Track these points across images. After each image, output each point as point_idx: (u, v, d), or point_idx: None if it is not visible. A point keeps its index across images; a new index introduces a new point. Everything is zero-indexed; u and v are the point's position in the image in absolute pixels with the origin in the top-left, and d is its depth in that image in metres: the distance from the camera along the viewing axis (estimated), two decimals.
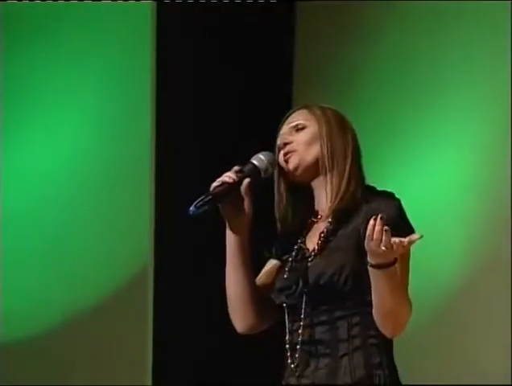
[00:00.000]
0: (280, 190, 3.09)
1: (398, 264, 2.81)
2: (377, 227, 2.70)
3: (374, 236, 2.71)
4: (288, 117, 3.12)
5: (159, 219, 6.62)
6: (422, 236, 2.73)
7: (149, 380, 6.96)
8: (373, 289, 2.84)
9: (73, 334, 7.22)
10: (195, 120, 6.90)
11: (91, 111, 7.20)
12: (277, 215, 3.10)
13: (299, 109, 3.12)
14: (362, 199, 3.00)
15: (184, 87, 7.04)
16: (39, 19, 7.38)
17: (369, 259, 2.76)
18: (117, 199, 7.04)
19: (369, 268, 2.78)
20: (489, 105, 6.88)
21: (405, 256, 2.88)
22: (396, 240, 2.69)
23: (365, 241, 2.74)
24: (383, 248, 2.70)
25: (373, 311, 2.87)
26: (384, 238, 2.69)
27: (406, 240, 2.69)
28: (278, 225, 3.11)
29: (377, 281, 2.83)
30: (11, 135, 7.15)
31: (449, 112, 7.18)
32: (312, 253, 3.00)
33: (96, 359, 7.18)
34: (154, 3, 7.04)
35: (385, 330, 2.90)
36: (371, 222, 2.72)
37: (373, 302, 2.86)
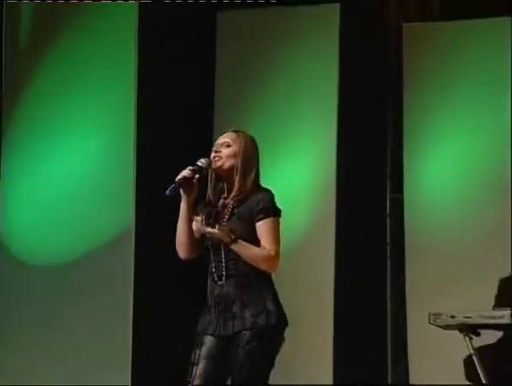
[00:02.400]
0: (211, 179, 4.45)
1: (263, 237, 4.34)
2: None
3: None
4: (223, 134, 4.51)
5: (141, 190, 7.59)
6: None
7: (129, 325, 7.59)
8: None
9: (69, 275, 7.79)
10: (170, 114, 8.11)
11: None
12: (208, 193, 4.50)
13: (230, 132, 4.49)
14: (254, 191, 4.37)
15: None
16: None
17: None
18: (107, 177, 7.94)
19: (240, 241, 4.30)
20: None
21: (271, 230, 4.35)
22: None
23: (266, 221, 4.35)
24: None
25: None
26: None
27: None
28: (207, 198, 4.50)
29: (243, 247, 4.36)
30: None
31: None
32: (224, 219, 4.38)
33: (83, 299, 7.68)
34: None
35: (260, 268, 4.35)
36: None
37: None
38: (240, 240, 4.28)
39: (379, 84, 9.26)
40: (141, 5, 7.77)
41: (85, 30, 7.98)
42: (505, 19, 8.75)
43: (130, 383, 7.49)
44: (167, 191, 4.34)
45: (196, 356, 4.32)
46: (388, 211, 9.18)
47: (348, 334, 8.31)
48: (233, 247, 4.28)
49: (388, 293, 9.06)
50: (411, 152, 8.90)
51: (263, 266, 4.31)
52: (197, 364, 4.31)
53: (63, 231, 7.82)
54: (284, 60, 8.51)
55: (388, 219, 9.18)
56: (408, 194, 8.84)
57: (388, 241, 9.11)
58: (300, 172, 8.39)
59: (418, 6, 9.40)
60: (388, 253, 9.08)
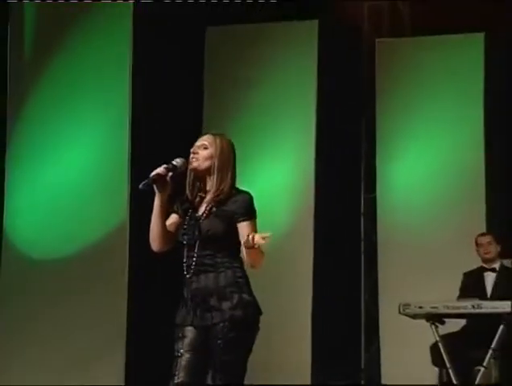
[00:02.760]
0: (189, 179, 4.32)
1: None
2: (251, 237, 4.07)
3: (247, 244, 4.09)
4: (201, 137, 4.40)
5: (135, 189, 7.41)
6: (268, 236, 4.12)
7: (124, 315, 7.62)
8: (246, 251, 4.17)
9: (68, 267, 7.81)
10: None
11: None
12: (186, 191, 4.36)
13: (207, 134, 4.40)
14: (232, 193, 4.27)
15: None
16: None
17: (244, 244, 4.13)
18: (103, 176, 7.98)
19: (245, 249, 4.15)
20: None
21: (254, 230, 4.25)
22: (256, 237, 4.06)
23: (246, 223, 4.23)
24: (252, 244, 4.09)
25: (244, 257, 4.20)
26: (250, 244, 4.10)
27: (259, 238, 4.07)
28: (185, 196, 4.36)
29: (250, 253, 4.15)
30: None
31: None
32: (202, 217, 4.29)
33: (82, 290, 7.71)
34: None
35: (250, 266, 4.22)
36: (247, 239, 4.12)
37: (245, 254, 4.19)
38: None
39: (354, 95, 9.33)
40: (135, 23, 7.78)
41: (85, 44, 7.99)
42: (479, 35, 8.80)
43: (124, 372, 7.54)
44: (140, 185, 4.26)
45: (179, 349, 4.26)
46: (362, 210, 9.33)
47: (326, 322, 8.34)
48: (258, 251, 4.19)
49: (362, 285, 9.20)
50: (383, 156, 9.00)
51: (256, 264, 4.23)
52: (181, 356, 4.25)
53: (62, 227, 7.82)
54: (268, 73, 8.53)
55: (362, 218, 9.34)
56: (380, 194, 8.95)
57: (362, 238, 9.28)
58: (282, 174, 8.40)
59: (390, 22, 9.44)
60: (362, 249, 9.24)
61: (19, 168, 7.93)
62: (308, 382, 8.12)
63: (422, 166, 8.84)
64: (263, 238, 4.06)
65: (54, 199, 7.88)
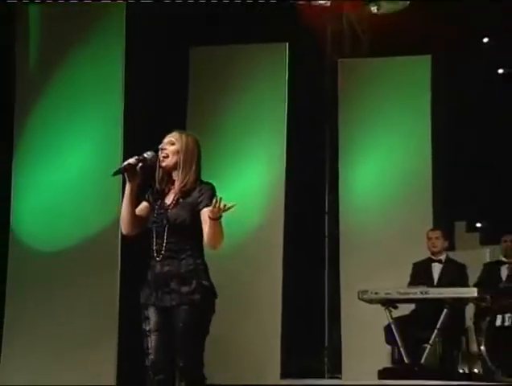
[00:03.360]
0: (158, 173, 4.27)
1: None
2: (217, 205, 4.00)
3: (213, 209, 4.00)
4: (169, 134, 4.31)
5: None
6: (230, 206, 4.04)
7: (117, 301, 7.62)
8: (208, 228, 4.10)
9: (66, 258, 7.79)
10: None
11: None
12: (156, 183, 4.30)
13: (174, 132, 4.32)
14: (196, 185, 4.22)
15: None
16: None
17: (210, 215, 4.04)
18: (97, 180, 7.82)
19: (209, 220, 4.06)
20: None
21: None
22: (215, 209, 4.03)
23: (209, 208, 4.08)
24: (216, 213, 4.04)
25: (205, 237, 4.13)
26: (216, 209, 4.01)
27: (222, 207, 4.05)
28: (155, 187, 4.30)
29: (212, 226, 4.09)
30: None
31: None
32: (170, 206, 4.22)
33: (78, 279, 7.67)
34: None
35: (210, 246, 4.15)
36: (214, 203, 4.03)
37: (207, 233, 4.12)
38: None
39: (319, 108, 9.44)
40: (127, 45, 7.79)
41: (83, 61, 7.98)
42: (426, 57, 8.86)
43: (116, 356, 7.53)
44: (112, 173, 4.25)
45: (147, 329, 4.21)
46: (326, 210, 9.43)
47: (294, 308, 8.39)
48: (214, 223, 4.11)
49: (326, 275, 9.29)
50: (345, 162, 9.05)
51: (216, 244, 4.17)
52: (149, 336, 4.19)
53: (63, 223, 7.79)
54: (245, 89, 8.50)
55: (326, 216, 9.43)
56: (342, 195, 8.99)
57: (326, 234, 9.38)
58: (257, 178, 8.35)
59: (350, 44, 9.59)
60: (326, 243, 9.34)
61: (25, 171, 7.94)
62: (279, 359, 7.99)
63: (378, 171, 8.90)
64: (229, 207, 4.06)
65: (55, 198, 7.84)
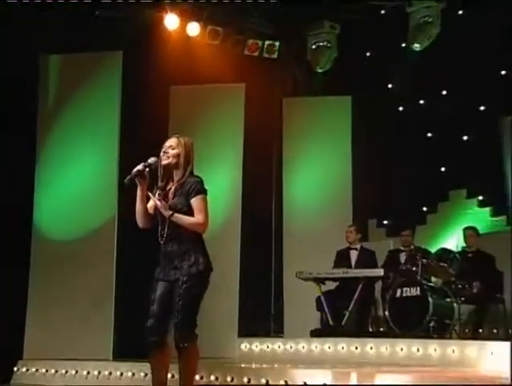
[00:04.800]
0: (161, 171, 4.12)
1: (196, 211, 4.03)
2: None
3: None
4: (168, 139, 4.18)
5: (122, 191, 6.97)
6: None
7: (113, 278, 7.54)
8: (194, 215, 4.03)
9: (75, 246, 7.73)
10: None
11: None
12: (159, 181, 4.15)
13: (173, 138, 4.18)
14: (190, 178, 4.08)
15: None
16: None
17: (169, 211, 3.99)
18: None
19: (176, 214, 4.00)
20: None
21: (200, 204, 4.05)
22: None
23: (197, 196, 4.02)
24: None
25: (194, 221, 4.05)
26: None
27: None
28: (158, 185, 4.14)
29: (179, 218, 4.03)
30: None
31: None
32: (170, 197, 4.09)
33: (84, 263, 7.62)
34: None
35: (197, 229, 4.05)
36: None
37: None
38: (176, 214, 4.02)
39: (270, 133, 9.39)
40: (122, 88, 7.84)
41: (87, 98, 7.98)
42: (347, 97, 8.99)
43: (112, 325, 7.45)
44: (125, 180, 4.07)
45: (152, 299, 4.06)
46: (273, 209, 9.47)
47: (248, 283, 8.31)
48: (172, 218, 4.01)
49: (272, 259, 9.34)
50: (288, 173, 9.11)
51: (196, 229, 4.04)
52: (153, 305, 4.05)
53: (72, 218, 7.78)
54: (213, 123, 8.35)
55: (273, 214, 9.45)
56: (285, 198, 9.07)
57: (273, 228, 9.39)
58: (221, 184, 8.12)
59: (293, 86, 9.64)
60: (273, 234, 9.37)
61: (44, 178, 7.95)
62: (237, 322, 7.94)
63: (312, 181, 9.01)
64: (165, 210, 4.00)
65: (67, 200, 7.82)
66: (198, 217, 4.02)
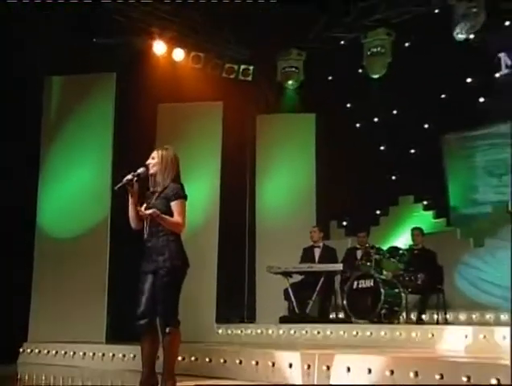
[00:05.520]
0: (150, 180, 4.12)
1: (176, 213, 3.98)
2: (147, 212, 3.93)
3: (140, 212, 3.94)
4: (154, 151, 4.17)
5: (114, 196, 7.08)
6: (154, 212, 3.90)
7: (105, 282, 7.51)
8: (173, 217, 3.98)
9: (73, 244, 7.69)
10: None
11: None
12: (150, 188, 4.14)
13: (156, 150, 4.18)
14: (172, 184, 4.06)
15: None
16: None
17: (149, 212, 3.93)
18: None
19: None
20: None
21: (180, 207, 4.01)
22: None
23: (176, 201, 3.98)
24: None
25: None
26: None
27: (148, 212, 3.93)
28: (149, 190, 4.13)
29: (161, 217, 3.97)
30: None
31: None
32: (153, 200, 4.07)
33: (80, 259, 7.60)
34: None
35: (174, 229, 4.01)
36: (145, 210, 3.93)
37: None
38: (162, 215, 3.96)
39: (245, 148, 9.39)
40: (115, 109, 7.79)
41: (85, 114, 7.94)
42: (311, 115, 8.95)
43: (106, 310, 7.43)
44: (115, 187, 4.02)
45: (140, 289, 4.02)
46: (247, 212, 9.43)
47: (225, 276, 8.27)
48: (158, 219, 3.95)
49: (246, 256, 9.23)
50: (260, 182, 9.17)
51: (174, 229, 4.00)
52: (141, 295, 4.01)
53: (71, 219, 7.73)
54: (195, 139, 8.18)
55: (247, 216, 9.41)
56: (258, 203, 9.15)
57: (247, 228, 9.36)
58: (202, 191, 8.03)
59: (266, 103, 9.60)
60: (247, 235, 9.32)
61: (46, 184, 7.91)
62: (214, 312, 7.83)
63: (282, 187, 9.03)
64: (145, 212, 3.96)
65: (67, 202, 7.78)
66: (177, 218, 4.00)
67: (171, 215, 4.02)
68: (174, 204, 4.01)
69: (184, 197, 4.07)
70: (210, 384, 4.91)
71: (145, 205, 4.09)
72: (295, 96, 9.40)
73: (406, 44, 8.97)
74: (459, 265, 8.25)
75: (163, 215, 3.98)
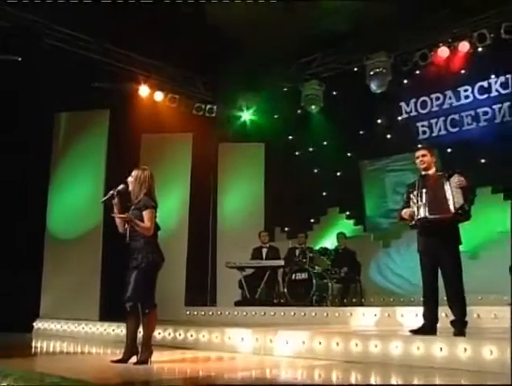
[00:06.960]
0: (131, 194, 4.03)
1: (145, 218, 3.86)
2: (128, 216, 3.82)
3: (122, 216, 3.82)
4: (133, 171, 4.06)
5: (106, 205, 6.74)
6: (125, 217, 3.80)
7: (99, 272, 7.36)
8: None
9: (74, 244, 7.65)
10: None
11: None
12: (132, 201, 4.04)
13: (135, 170, 4.06)
14: (144, 197, 3.96)
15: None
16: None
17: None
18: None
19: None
20: None
21: (149, 215, 3.90)
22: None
23: (146, 211, 3.84)
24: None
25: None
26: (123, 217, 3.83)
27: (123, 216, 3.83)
28: (129, 203, 4.04)
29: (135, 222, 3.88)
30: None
31: None
32: (131, 212, 3.95)
33: (81, 257, 7.57)
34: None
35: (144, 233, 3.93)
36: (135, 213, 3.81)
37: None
38: (134, 220, 3.89)
39: (209, 169, 9.09)
40: (108, 143, 7.66)
41: (84, 148, 7.89)
42: (260, 144, 8.79)
43: (99, 293, 7.32)
44: (101, 200, 3.99)
45: (126, 280, 3.92)
46: (210, 218, 9.22)
47: (192, 267, 8.11)
48: (131, 223, 3.88)
49: (209, 252, 9.10)
50: (220, 195, 8.95)
51: (144, 232, 3.91)
52: (127, 284, 3.91)
53: (74, 223, 7.71)
54: (172, 164, 8.09)
55: (210, 221, 9.20)
56: (219, 211, 8.98)
57: (210, 232, 9.18)
58: (175, 197, 8.03)
59: (226, 134, 9.28)
60: (210, 235, 9.15)
61: (55, 195, 7.94)
62: (183, 297, 7.69)
63: (237, 199, 8.86)
64: (120, 216, 3.86)
65: (71, 210, 7.78)
66: (147, 223, 3.94)
67: (143, 221, 3.94)
68: (144, 213, 3.93)
69: (153, 207, 3.96)
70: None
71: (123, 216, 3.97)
72: (249, 129, 9.33)
73: (334, 93, 9.17)
74: (372, 261, 8.35)
75: (136, 221, 3.89)
